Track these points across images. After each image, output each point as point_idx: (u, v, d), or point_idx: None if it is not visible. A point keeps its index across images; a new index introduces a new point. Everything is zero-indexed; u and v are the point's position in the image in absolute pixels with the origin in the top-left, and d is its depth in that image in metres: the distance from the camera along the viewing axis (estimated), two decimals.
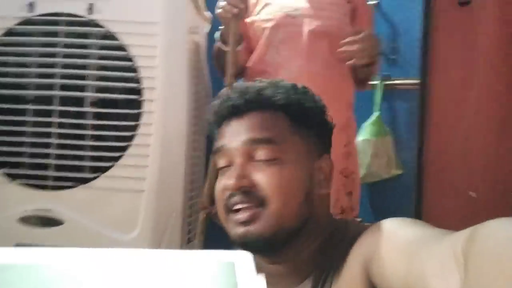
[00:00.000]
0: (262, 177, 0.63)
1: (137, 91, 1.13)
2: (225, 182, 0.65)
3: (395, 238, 0.55)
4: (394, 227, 0.58)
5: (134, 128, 1.12)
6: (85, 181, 1.11)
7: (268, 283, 0.71)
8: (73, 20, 1.14)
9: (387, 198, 1.76)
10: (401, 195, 1.69)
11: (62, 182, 1.11)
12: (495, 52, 1.39)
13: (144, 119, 1.12)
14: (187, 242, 1.22)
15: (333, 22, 1.37)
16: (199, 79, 1.30)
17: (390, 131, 1.77)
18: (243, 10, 1.30)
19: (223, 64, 1.37)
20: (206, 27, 1.46)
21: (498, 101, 1.43)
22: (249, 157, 0.66)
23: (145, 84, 1.13)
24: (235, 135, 0.67)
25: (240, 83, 0.73)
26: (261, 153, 0.65)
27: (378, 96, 1.76)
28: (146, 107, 1.12)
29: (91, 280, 0.30)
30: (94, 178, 1.11)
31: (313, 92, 0.73)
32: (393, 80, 1.79)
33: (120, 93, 1.14)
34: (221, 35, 1.37)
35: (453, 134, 1.49)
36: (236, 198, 0.64)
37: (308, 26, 1.32)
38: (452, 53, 1.47)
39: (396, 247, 0.54)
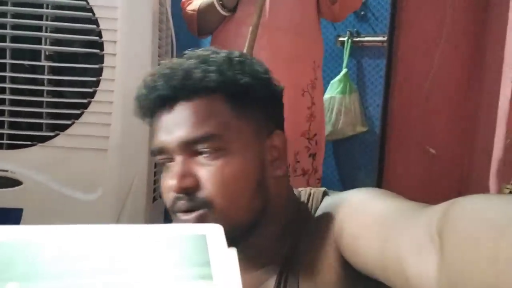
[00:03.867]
0: (205, 174, 0.56)
1: (98, 45, 1.06)
2: (169, 182, 0.58)
3: (366, 212, 0.53)
4: (364, 199, 0.56)
5: (94, 84, 1.07)
6: (44, 139, 1.06)
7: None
8: None
9: (352, 155, 1.79)
10: (365, 152, 1.73)
11: (18, 141, 1.05)
12: (462, 11, 1.39)
13: (105, 75, 1.07)
14: (152, 201, 1.20)
15: None
16: (163, 32, 1.24)
17: (357, 88, 1.77)
18: None
19: (208, 23, 1.32)
20: None
21: (462, 60, 1.45)
22: (191, 152, 0.57)
23: (105, 37, 1.06)
24: (169, 133, 0.57)
25: (166, 62, 0.61)
26: (202, 148, 0.57)
27: (346, 53, 1.75)
28: (107, 61, 1.06)
29: (62, 256, 0.29)
30: (53, 136, 1.06)
31: (253, 59, 0.64)
32: (362, 36, 1.78)
33: (79, 47, 1.07)
34: None
35: (417, 92, 1.51)
36: (180, 204, 0.57)
37: None
38: (420, 11, 1.46)
39: (367, 222, 0.52)
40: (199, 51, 0.62)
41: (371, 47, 1.77)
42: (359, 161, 1.76)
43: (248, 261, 0.63)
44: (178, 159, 0.57)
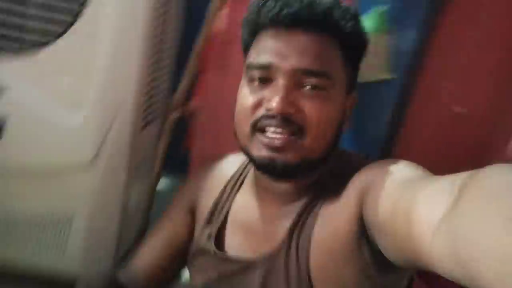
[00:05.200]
0: (308, 106, 0.60)
1: None
2: (266, 102, 0.61)
3: (395, 174, 0.55)
4: (398, 165, 0.57)
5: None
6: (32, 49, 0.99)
7: (263, 198, 0.67)
8: None
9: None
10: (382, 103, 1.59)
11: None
12: None
13: None
14: (144, 126, 1.16)
15: None
16: None
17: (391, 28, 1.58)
18: None
19: None
20: None
21: None
22: (296, 81, 0.61)
23: None
24: (285, 55, 0.60)
25: None
26: (311, 82, 0.61)
27: None
28: None
29: None
30: (41, 46, 0.99)
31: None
32: None
33: None
34: None
35: None
36: (274, 122, 0.60)
37: None
38: None
39: (394, 181, 0.53)
40: None
41: None
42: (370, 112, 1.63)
43: (285, 196, 0.67)
44: (283, 82, 0.60)
